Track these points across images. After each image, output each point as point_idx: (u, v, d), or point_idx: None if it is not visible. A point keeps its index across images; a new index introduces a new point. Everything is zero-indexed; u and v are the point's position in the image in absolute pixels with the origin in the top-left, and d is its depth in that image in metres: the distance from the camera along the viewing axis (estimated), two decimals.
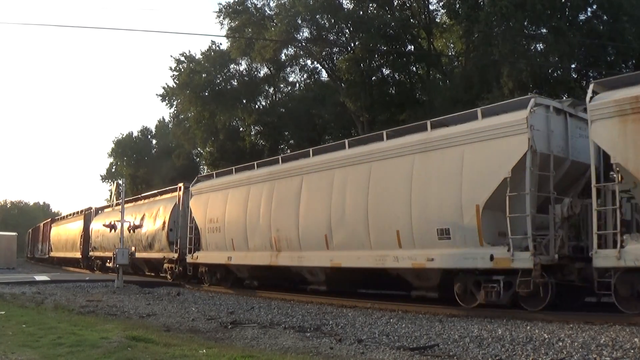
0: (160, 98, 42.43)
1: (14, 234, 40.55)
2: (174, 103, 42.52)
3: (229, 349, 7.32)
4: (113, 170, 64.02)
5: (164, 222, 21.71)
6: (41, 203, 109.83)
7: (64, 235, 37.45)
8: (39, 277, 21.66)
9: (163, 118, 67.65)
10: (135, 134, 61.91)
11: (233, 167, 18.73)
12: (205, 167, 49.50)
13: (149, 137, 61.50)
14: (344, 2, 32.01)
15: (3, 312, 10.60)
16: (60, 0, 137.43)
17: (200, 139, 41.25)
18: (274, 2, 33.66)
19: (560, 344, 7.16)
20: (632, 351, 6.55)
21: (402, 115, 30.42)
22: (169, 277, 21.78)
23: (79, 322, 9.67)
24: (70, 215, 38.70)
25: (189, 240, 19.47)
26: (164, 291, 17.65)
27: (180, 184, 21.94)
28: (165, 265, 22.14)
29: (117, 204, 27.90)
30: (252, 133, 40.25)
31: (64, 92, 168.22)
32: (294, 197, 14.89)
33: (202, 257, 18.76)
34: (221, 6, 33.82)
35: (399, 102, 31.37)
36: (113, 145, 62.18)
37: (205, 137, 40.60)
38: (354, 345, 7.84)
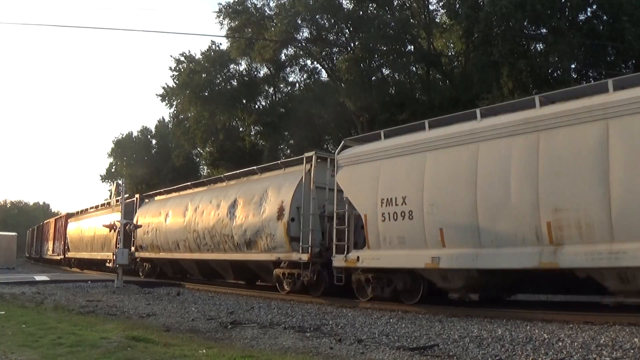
0: (160, 98, 42.58)
1: (14, 234, 40.54)
2: (174, 103, 42.64)
3: (228, 349, 7.32)
4: (113, 170, 64.12)
5: (281, 209, 15.07)
6: (41, 203, 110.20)
7: (89, 232, 30.44)
8: (39, 277, 21.63)
9: (163, 118, 67.84)
10: (135, 134, 62.14)
11: (425, 121, 12.23)
12: (205, 167, 49.66)
13: (149, 137, 61.60)
14: (344, 2, 32.17)
15: (3, 312, 10.59)
16: (60, 0, 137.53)
17: (200, 139, 41.31)
18: (274, 2, 33.83)
19: (560, 344, 7.16)
20: (632, 351, 6.55)
21: (402, 115, 30.45)
22: (285, 287, 15.23)
23: (79, 322, 9.65)
24: (94, 207, 32.16)
25: (336, 234, 13.38)
26: (164, 291, 17.61)
27: (310, 153, 15.15)
28: (278, 272, 15.44)
29: (176, 189, 22.91)
30: (252, 133, 40.34)
31: (63, 92, 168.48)
32: (589, 156, 9.24)
33: (370, 258, 12.49)
34: (221, 6, 34.04)
35: (399, 102, 31.40)
36: (113, 145, 62.43)
37: (205, 137, 40.67)
38: (353, 345, 7.84)
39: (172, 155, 48.97)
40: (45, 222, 48.07)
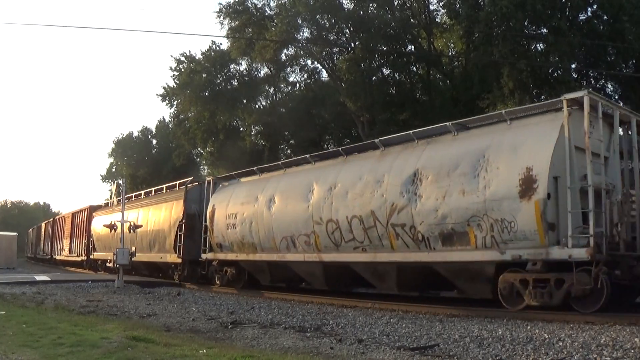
0: (160, 98, 42.65)
1: (14, 234, 40.54)
2: (174, 103, 42.70)
3: (229, 349, 7.32)
4: (113, 170, 64.14)
5: (527, 181, 9.77)
6: (41, 203, 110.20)
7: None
8: (39, 277, 21.65)
9: (163, 118, 67.82)
10: (135, 134, 62.12)
11: None
12: (206, 167, 49.66)
13: (149, 137, 61.60)
14: (344, 2, 32.18)
15: (3, 312, 10.60)
16: (60, 0, 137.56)
17: (200, 139, 41.35)
18: (274, 2, 33.84)
19: (561, 344, 7.16)
20: (632, 351, 6.54)
21: (402, 115, 30.49)
22: (527, 301, 9.84)
23: (79, 322, 9.66)
24: (134, 196, 26.32)
25: None
26: (164, 291, 17.60)
27: (579, 93, 9.92)
28: (511, 278, 10.08)
29: (283, 164, 16.54)
30: (252, 133, 40.33)
31: (64, 92, 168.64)
32: None
33: None
34: (221, 6, 34.00)
35: (399, 102, 31.47)
36: (113, 145, 62.43)
37: (205, 137, 40.72)
38: (354, 345, 7.84)
39: (172, 155, 48.98)
40: (57, 217, 43.86)
